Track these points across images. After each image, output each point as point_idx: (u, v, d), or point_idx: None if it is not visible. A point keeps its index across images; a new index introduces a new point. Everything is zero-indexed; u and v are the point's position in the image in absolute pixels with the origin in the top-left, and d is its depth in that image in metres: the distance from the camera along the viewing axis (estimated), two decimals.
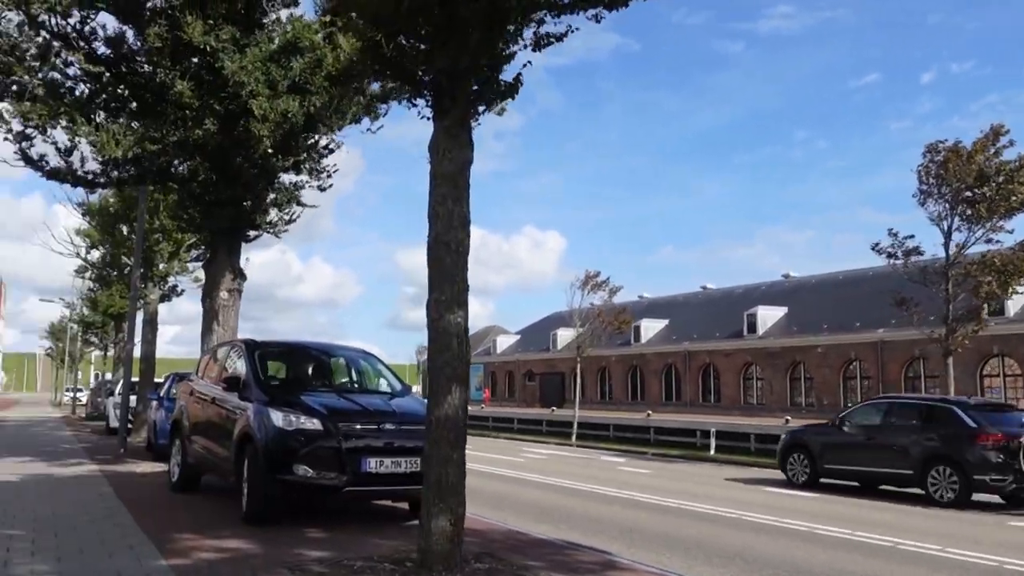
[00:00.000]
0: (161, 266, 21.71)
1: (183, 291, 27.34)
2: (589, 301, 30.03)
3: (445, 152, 5.86)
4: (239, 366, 9.12)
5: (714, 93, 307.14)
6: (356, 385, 9.30)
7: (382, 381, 9.35)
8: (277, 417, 7.57)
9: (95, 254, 27.89)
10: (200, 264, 25.42)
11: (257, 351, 9.01)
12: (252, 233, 13.34)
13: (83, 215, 23.53)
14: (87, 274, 30.12)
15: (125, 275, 27.15)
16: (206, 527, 7.52)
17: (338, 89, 10.47)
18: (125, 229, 22.51)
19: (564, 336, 58.83)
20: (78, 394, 50.12)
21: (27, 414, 43.74)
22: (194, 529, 7.38)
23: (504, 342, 71.34)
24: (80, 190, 23.61)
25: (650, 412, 34.32)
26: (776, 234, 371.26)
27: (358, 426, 7.61)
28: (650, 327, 53.71)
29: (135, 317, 17.79)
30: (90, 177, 13.17)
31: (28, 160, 12.70)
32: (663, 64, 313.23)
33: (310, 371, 9.43)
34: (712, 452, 23.49)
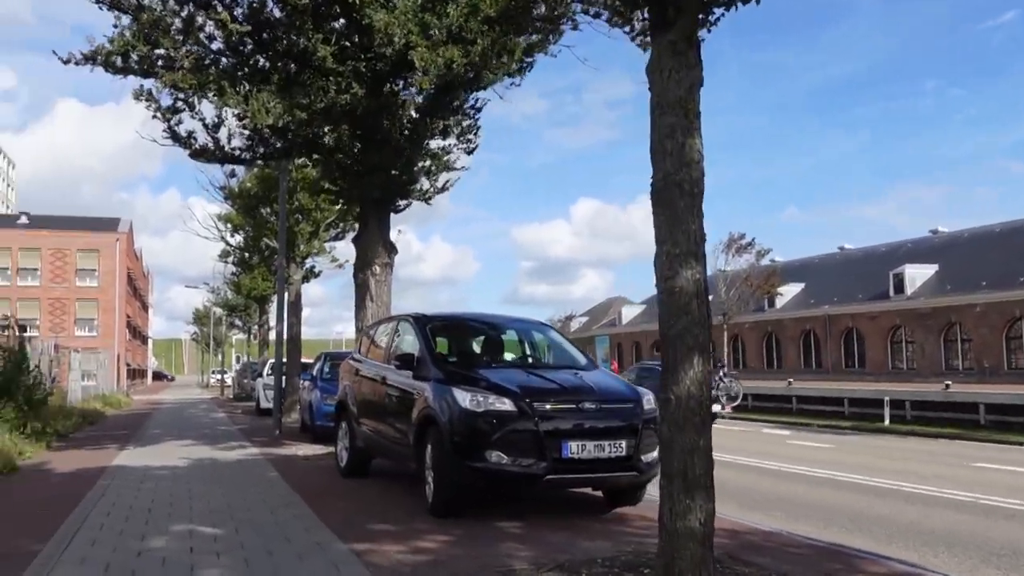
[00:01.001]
0: (302, 247, 21.58)
1: (320, 272, 27.48)
2: (733, 265, 28.47)
3: (671, 73, 4.80)
4: (408, 343, 8.42)
5: (834, 47, 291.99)
6: (534, 360, 8.42)
7: (562, 355, 8.45)
8: (463, 397, 6.76)
9: (237, 238, 28.33)
10: (336, 245, 25.43)
11: (428, 325, 8.27)
12: (402, 203, 12.69)
13: (224, 199, 23.79)
14: (229, 258, 30.74)
15: (266, 258, 27.45)
16: (391, 521, 6.82)
17: (500, 30, 9.54)
18: (266, 211, 22.53)
19: None
20: (224, 376, 52.08)
21: (179, 396, 45.64)
22: (381, 523, 6.68)
23: (629, 313, 69.92)
24: (220, 175, 23.91)
25: (791, 380, 32.46)
26: (908, 190, 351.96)
27: (555, 406, 6.72)
28: (785, 291, 51.01)
29: (283, 297, 17.60)
30: (236, 153, 12.81)
31: (176, 138, 12.42)
32: (778, 20, 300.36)
33: (483, 346, 8.61)
34: (887, 423, 21.64)
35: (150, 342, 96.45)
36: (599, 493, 7.71)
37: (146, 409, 29.24)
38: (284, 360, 24.62)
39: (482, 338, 8.67)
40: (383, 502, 7.81)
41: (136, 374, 68.46)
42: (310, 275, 25.74)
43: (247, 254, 28.82)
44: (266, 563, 5.34)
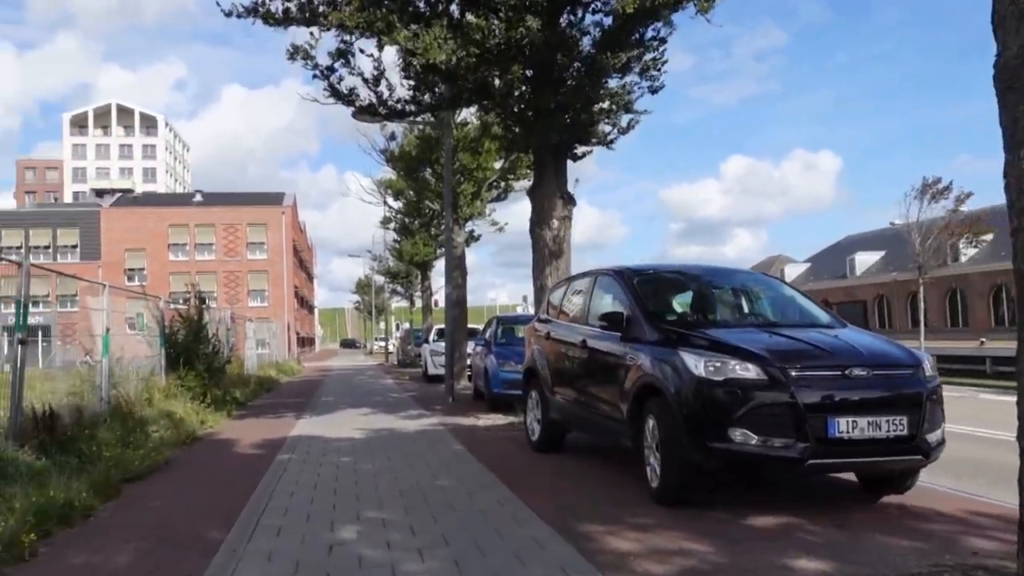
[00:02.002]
0: (464, 208, 20.88)
1: (479, 236, 26.84)
2: (928, 213, 25.69)
3: None
4: (610, 301, 7.28)
5: None
6: (765, 318, 7.06)
7: (799, 311, 7.06)
8: (694, 362, 5.55)
9: (398, 203, 28.14)
10: (495, 207, 24.67)
11: (636, 279, 7.09)
12: (580, 149, 11.52)
13: (385, 162, 23.44)
14: (391, 225, 30.69)
15: (428, 222, 27.10)
16: (610, 509, 5.74)
17: None
18: (427, 173, 21.98)
19: (864, 260, 53.00)
20: (387, 343, 53.13)
21: (345, 363, 46.85)
22: (600, 513, 5.60)
23: (792, 271, 66.16)
24: (380, 139, 23.55)
25: (983, 340, 29.20)
26: None
27: (816, 372, 5.40)
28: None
29: (451, 259, 16.92)
30: (400, 107, 12.01)
31: (338, 95, 11.77)
32: None
33: (701, 302, 7.32)
34: None
35: (316, 311, 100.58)
36: (846, 476, 6.36)
37: (317, 376, 29.77)
38: (443, 326, 24.30)
39: (698, 293, 7.38)
40: (590, 484, 6.74)
41: (304, 342, 71.30)
42: (470, 239, 25.14)
43: (408, 219, 28.60)
44: (480, 567, 4.37)
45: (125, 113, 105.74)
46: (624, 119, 11.60)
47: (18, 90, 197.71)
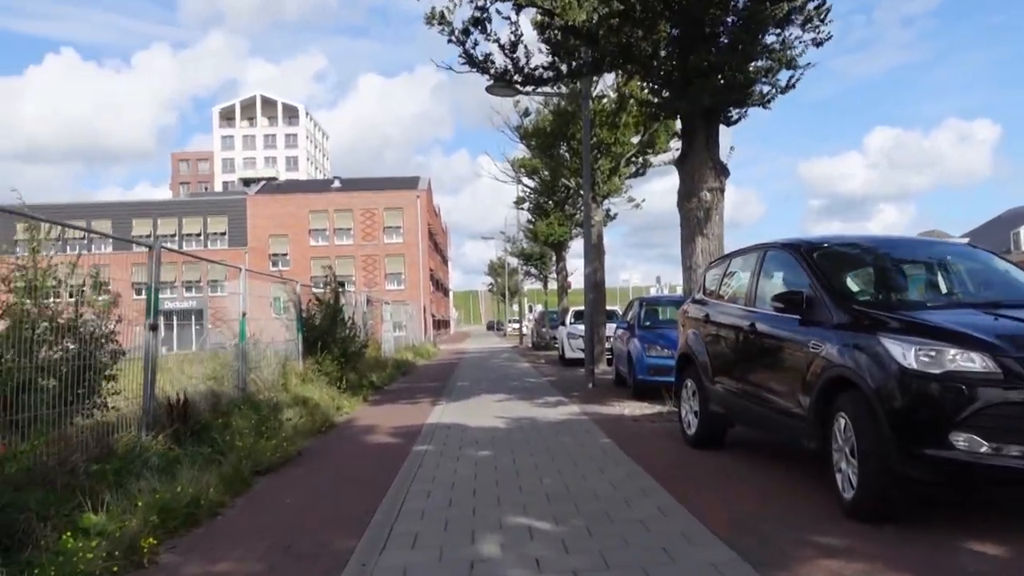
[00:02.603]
0: (602, 185, 19.98)
1: (616, 215, 25.88)
2: None
3: None
4: (785, 279, 6.32)
5: None
6: (979, 298, 5.90)
7: (1019, 288, 5.88)
8: (901, 351, 4.56)
9: (532, 183, 27.52)
10: (631, 184, 23.65)
11: (815, 253, 6.09)
12: (735, 112, 10.44)
13: (520, 139, 22.82)
14: (524, 205, 30.14)
15: (563, 200, 26.37)
16: (796, 524, 4.83)
17: None
18: (562, 149, 21.20)
19: None
20: (518, 325, 52.88)
21: (480, 345, 46.89)
22: (782, 529, 4.71)
23: None
24: (514, 116, 22.93)
25: None
26: None
27: None
28: None
29: (589, 237, 16.10)
30: (537, 74, 11.27)
31: (472, 62, 11.15)
32: None
33: (898, 280, 6.22)
34: None
35: (451, 294, 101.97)
36: None
37: (452, 359, 29.66)
38: (581, 308, 23.51)
39: (890, 268, 6.26)
40: (763, 490, 5.82)
41: (440, 324, 72.22)
42: (607, 218, 24.23)
43: (542, 199, 27.95)
44: None
45: (269, 104, 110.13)
46: (784, 76, 10.41)
47: (174, 87, 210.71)
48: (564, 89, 17.41)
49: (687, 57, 9.80)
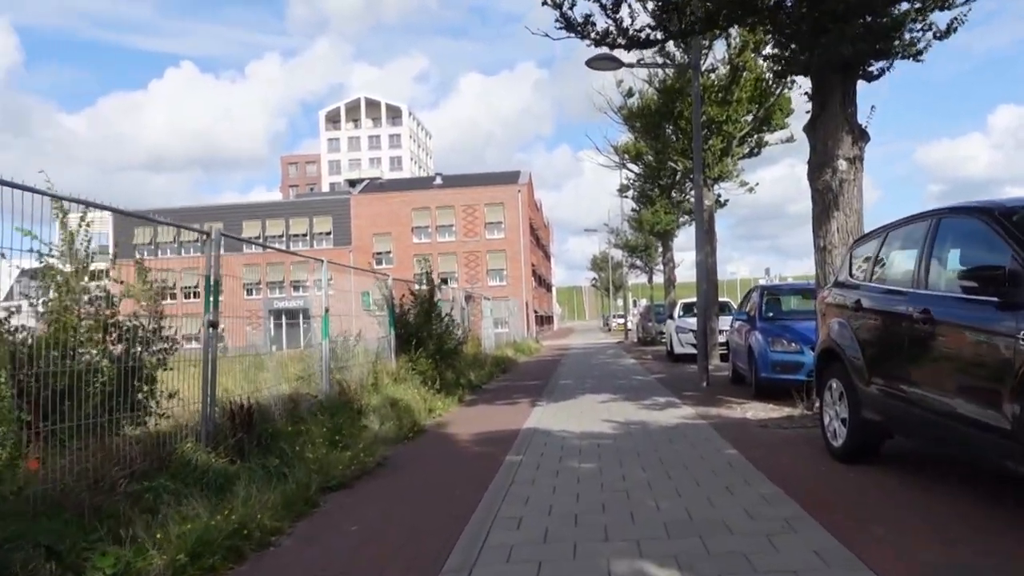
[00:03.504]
0: (713, 167, 18.49)
1: (727, 201, 24.20)
2: None
3: None
4: (972, 252, 4.95)
5: None
6: None
7: None
8: None
9: (636, 169, 26.14)
10: (743, 167, 21.97)
11: (1015, 217, 4.69)
12: (877, 65, 8.92)
13: (623, 121, 21.52)
14: (628, 193, 28.75)
15: (670, 186, 24.93)
16: (986, 565, 3.54)
17: None
18: (669, 130, 19.79)
19: None
20: (623, 320, 51.34)
21: (584, 341, 45.67)
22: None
23: None
24: (617, 97, 21.65)
25: None
26: None
27: None
28: None
29: (701, 221, 14.71)
30: (643, 34, 10.02)
31: (571, 25, 9.99)
32: None
33: None
34: None
35: (554, 289, 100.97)
36: None
37: (555, 355, 28.60)
38: (690, 300, 22.00)
39: None
40: (946, 526, 4.47)
41: (543, 320, 71.30)
42: (717, 204, 22.64)
43: (648, 185, 26.51)
44: None
45: (372, 106, 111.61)
46: (943, 19, 8.81)
47: (284, 94, 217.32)
48: (672, 58, 16.08)
49: (820, 2, 8.37)
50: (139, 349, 6.00)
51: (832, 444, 6.49)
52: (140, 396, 6.06)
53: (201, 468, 5.93)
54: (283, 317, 50.78)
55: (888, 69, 8.93)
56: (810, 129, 9.31)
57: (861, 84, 9.15)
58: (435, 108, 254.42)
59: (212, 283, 6.60)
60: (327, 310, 10.12)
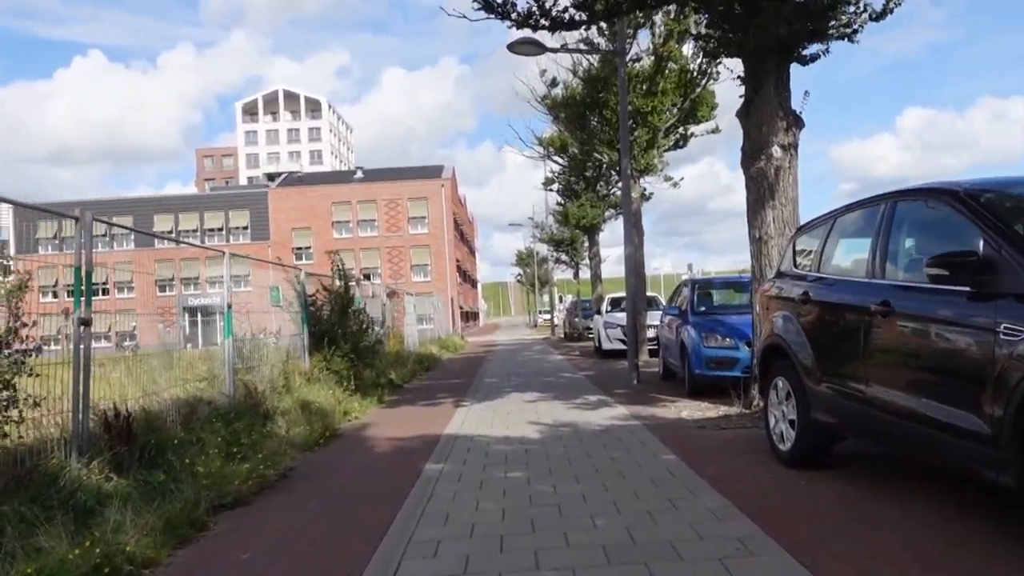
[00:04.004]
0: (638, 157, 18.10)
1: (651, 195, 23.92)
2: None
3: None
4: (935, 238, 4.51)
5: None
6: None
7: None
8: None
9: (560, 163, 25.71)
10: (668, 160, 21.75)
11: (984, 199, 4.25)
12: (810, 48, 8.55)
13: (548, 111, 20.98)
14: (554, 186, 28.30)
15: (595, 179, 24.57)
16: None
17: None
18: (594, 121, 19.34)
19: None
20: (549, 315, 51.06)
21: (510, 337, 45.22)
22: None
23: None
24: (540, 86, 21.11)
25: None
26: None
27: None
28: None
29: (629, 213, 14.30)
30: (568, 15, 9.44)
31: (489, 6, 9.35)
32: None
33: None
34: None
35: (479, 285, 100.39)
36: None
37: (480, 352, 28.00)
38: (618, 295, 21.66)
39: None
40: (916, 544, 4.00)
41: (468, 316, 70.64)
42: (643, 197, 22.35)
43: (573, 178, 26.10)
44: None
45: (291, 99, 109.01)
46: (878, 0, 8.46)
47: (199, 87, 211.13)
48: (596, 47, 15.60)
49: None
50: None
51: (779, 448, 6.03)
52: None
53: (68, 488, 5.11)
54: (198, 314, 48.90)
55: (824, 53, 8.59)
56: (743, 114, 8.89)
57: (793, 70, 8.79)
58: (356, 103, 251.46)
59: (84, 275, 5.75)
60: (229, 306, 9.28)
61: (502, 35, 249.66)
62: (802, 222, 8.63)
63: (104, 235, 56.87)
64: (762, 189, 8.71)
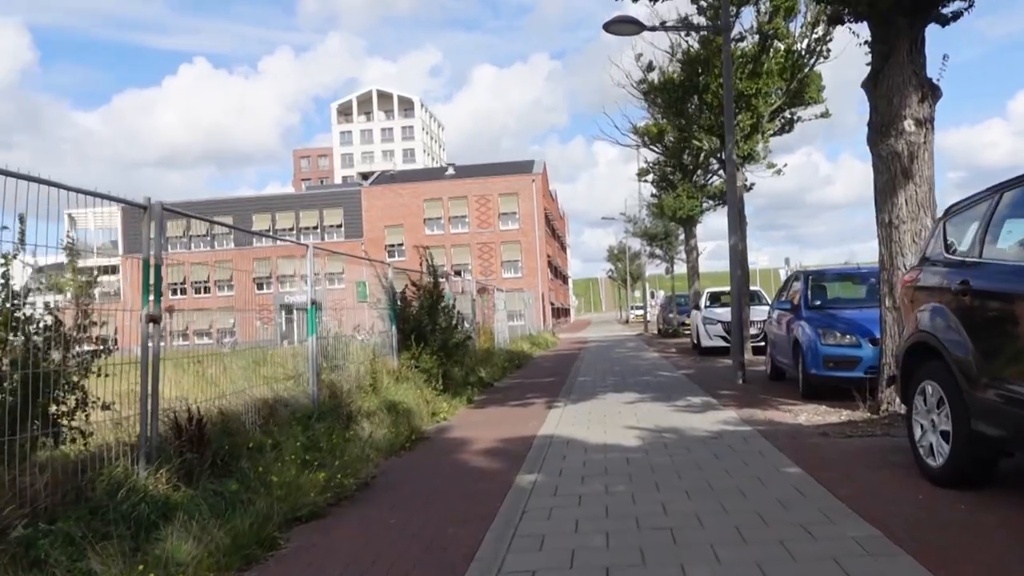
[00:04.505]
0: (741, 144, 17.08)
1: (753, 185, 22.75)
2: None
3: None
4: None
5: None
6: None
7: None
8: None
9: (655, 154, 24.77)
10: (771, 147, 20.57)
11: None
12: (951, 6, 7.57)
13: (643, 97, 20.09)
14: (649, 177, 27.31)
15: (692, 169, 23.57)
16: None
17: None
18: (693, 105, 18.38)
19: None
20: (642, 311, 49.92)
21: (602, 333, 44.32)
22: None
23: None
24: (636, 71, 20.26)
25: None
26: None
27: None
28: None
29: (735, 201, 13.34)
30: None
31: None
32: None
33: None
34: None
35: (570, 281, 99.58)
36: None
37: (572, 349, 27.29)
38: (721, 289, 20.61)
39: None
40: None
41: (559, 313, 69.97)
42: (744, 187, 21.23)
43: (668, 168, 25.09)
44: None
45: (384, 98, 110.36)
46: None
47: (296, 89, 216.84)
48: (696, 23, 14.70)
49: None
50: (50, 351, 4.75)
51: (927, 463, 5.16)
52: (56, 409, 4.82)
53: (132, 500, 4.69)
54: (294, 312, 49.69)
55: (968, 9, 7.55)
56: (871, 85, 7.95)
57: (930, 31, 7.80)
58: (448, 101, 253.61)
59: (153, 269, 5.35)
60: (314, 302, 8.87)
61: (593, 30, 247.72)
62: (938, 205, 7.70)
63: (206, 235, 58.66)
64: (893, 168, 7.77)
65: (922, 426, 5.26)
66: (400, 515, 5.16)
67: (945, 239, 5.51)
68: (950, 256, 5.33)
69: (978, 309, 4.65)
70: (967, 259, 5.03)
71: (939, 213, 7.73)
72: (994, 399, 4.43)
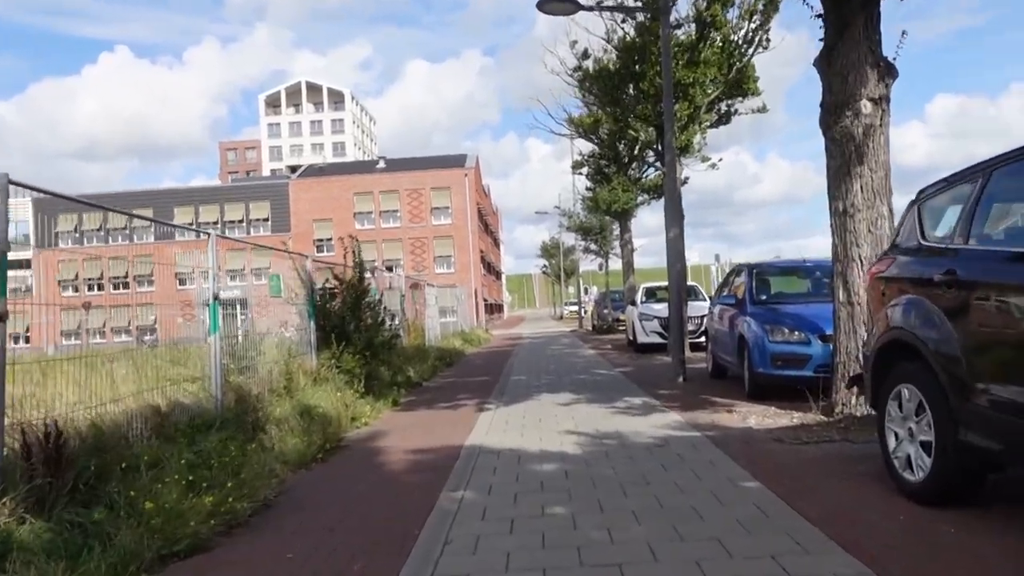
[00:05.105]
0: (679, 135, 16.60)
1: (687, 179, 22.39)
2: None
3: None
4: None
5: None
6: None
7: None
8: None
9: (589, 147, 24.25)
10: (707, 141, 20.18)
11: None
12: None
13: (578, 85, 19.49)
14: (583, 169, 26.76)
15: (628, 161, 23.09)
16: None
17: None
18: (628, 95, 17.83)
19: None
20: (576, 307, 49.59)
21: (536, 329, 43.79)
22: None
23: None
24: (571, 58, 19.66)
25: None
26: None
27: None
28: None
29: (674, 193, 12.84)
30: None
31: None
32: None
33: None
34: None
35: (504, 277, 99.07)
36: None
37: (506, 346, 26.62)
38: (658, 284, 20.16)
39: None
40: None
41: (493, 309, 69.32)
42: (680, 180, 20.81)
43: (603, 161, 24.57)
44: None
45: (314, 91, 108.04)
46: None
47: (222, 81, 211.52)
48: (633, 4, 14.13)
49: None
50: None
51: (904, 477, 4.56)
52: None
53: None
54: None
55: None
56: (824, 63, 7.42)
57: (885, 4, 7.31)
58: (380, 96, 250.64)
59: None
60: (216, 297, 7.99)
61: (525, 26, 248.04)
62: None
63: (124, 228, 56.16)
64: (847, 152, 7.25)
65: (897, 435, 4.67)
66: (301, 545, 4.36)
67: (921, 225, 4.94)
68: (927, 243, 4.76)
69: (968, 302, 4.06)
70: (950, 246, 4.44)
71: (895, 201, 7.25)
72: (987, 406, 3.84)
